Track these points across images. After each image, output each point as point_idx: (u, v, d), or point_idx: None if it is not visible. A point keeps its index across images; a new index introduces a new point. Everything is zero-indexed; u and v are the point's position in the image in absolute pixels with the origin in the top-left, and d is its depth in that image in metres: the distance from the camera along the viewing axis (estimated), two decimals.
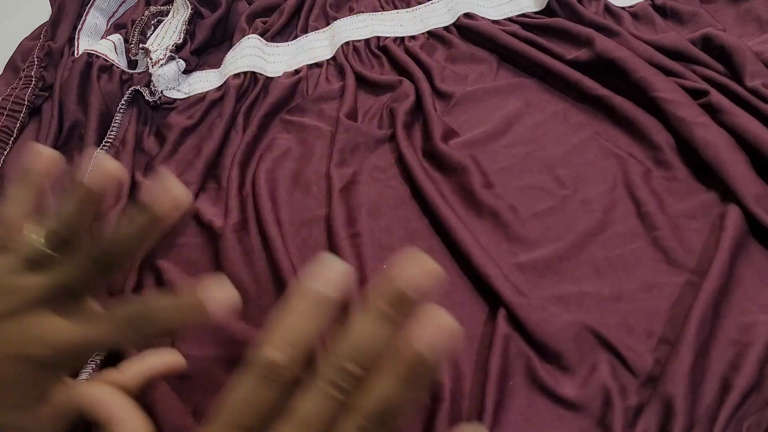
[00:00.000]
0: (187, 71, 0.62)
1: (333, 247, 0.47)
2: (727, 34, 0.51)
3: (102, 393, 0.30)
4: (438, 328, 0.24)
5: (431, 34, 0.60)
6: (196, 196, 0.53)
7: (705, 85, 0.48)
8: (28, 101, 0.60)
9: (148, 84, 0.60)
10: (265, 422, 0.24)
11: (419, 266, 0.24)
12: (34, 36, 0.67)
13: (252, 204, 0.50)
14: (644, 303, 0.41)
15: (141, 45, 0.63)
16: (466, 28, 0.58)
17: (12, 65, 0.65)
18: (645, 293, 0.41)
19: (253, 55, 0.60)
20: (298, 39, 0.63)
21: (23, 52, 0.65)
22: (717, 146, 0.44)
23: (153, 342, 0.42)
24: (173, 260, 0.49)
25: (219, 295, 0.27)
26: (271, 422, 0.24)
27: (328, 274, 0.24)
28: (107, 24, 0.70)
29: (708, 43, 0.51)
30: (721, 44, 0.50)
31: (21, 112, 0.60)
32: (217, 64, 0.63)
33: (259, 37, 0.61)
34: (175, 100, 0.60)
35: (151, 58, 0.60)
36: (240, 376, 0.24)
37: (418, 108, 0.54)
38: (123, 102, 0.59)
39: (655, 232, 0.43)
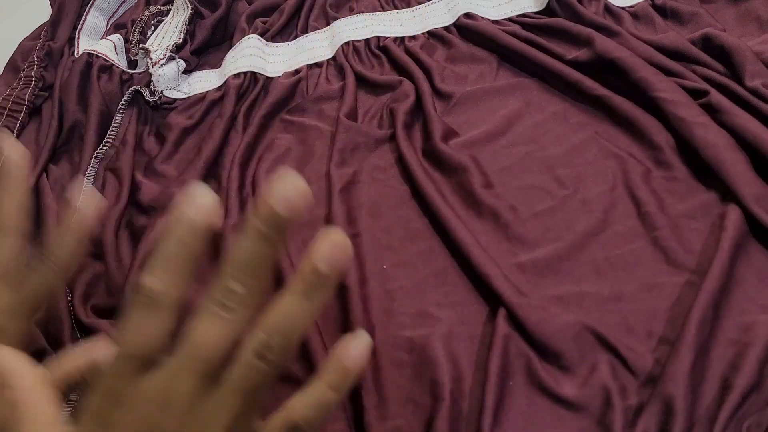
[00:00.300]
0: (187, 71, 0.62)
1: None
2: (727, 34, 0.51)
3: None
4: (332, 244, 0.25)
5: (431, 34, 0.60)
6: None
7: (705, 85, 0.48)
8: (28, 101, 0.60)
9: (148, 84, 0.60)
10: (154, 349, 0.25)
11: (288, 185, 0.25)
12: (34, 36, 0.67)
13: (252, 204, 0.50)
14: (644, 303, 0.41)
15: (141, 45, 0.63)
16: (466, 28, 0.58)
17: (12, 65, 0.65)
18: (645, 293, 0.41)
19: (253, 55, 0.60)
20: (298, 39, 0.63)
21: (23, 52, 0.65)
22: (717, 146, 0.44)
23: None
24: None
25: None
26: (162, 348, 0.25)
27: (197, 203, 0.25)
28: (107, 24, 0.70)
29: (708, 43, 0.51)
30: (721, 44, 0.50)
31: (21, 112, 0.60)
32: (217, 64, 0.63)
33: (259, 37, 0.61)
34: (175, 100, 0.60)
35: (151, 58, 0.60)
36: (127, 308, 0.25)
37: (418, 108, 0.54)
38: (123, 102, 0.59)
39: (655, 232, 0.43)
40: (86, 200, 0.33)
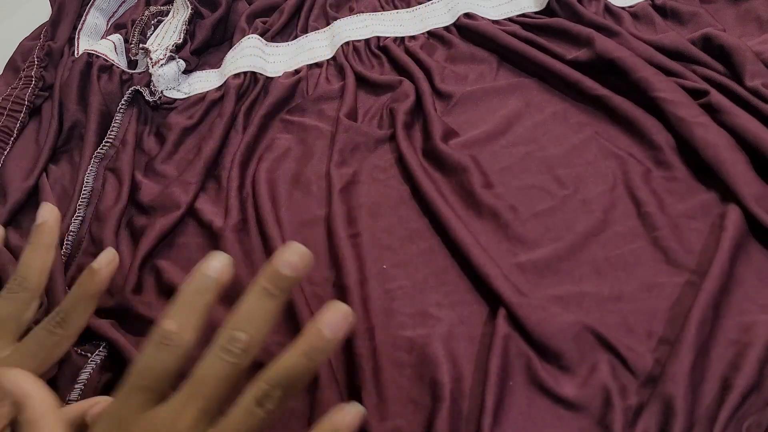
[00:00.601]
0: (187, 71, 0.62)
1: (333, 248, 0.47)
2: (727, 34, 0.51)
3: (14, 373, 0.32)
4: (336, 312, 0.29)
5: (431, 34, 0.60)
6: (196, 196, 0.53)
7: (705, 85, 0.48)
8: (28, 101, 0.60)
9: (148, 84, 0.60)
10: (164, 383, 0.29)
11: (293, 251, 0.30)
12: (34, 36, 0.67)
13: (252, 204, 0.50)
14: (644, 303, 0.41)
15: (141, 45, 0.63)
16: (466, 28, 0.58)
17: (12, 65, 0.65)
18: (645, 293, 0.41)
19: (253, 55, 0.60)
20: (298, 39, 0.63)
21: (23, 52, 0.65)
22: (717, 146, 0.44)
23: None
24: (173, 260, 0.49)
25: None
26: (170, 384, 0.29)
27: (215, 263, 0.30)
28: (107, 24, 0.70)
29: (708, 43, 0.51)
30: (721, 44, 0.50)
31: (21, 112, 0.60)
32: (217, 64, 0.63)
33: (259, 37, 0.61)
34: (175, 100, 0.60)
35: (151, 58, 0.60)
36: (143, 347, 0.29)
37: (418, 108, 0.54)
38: (123, 102, 0.59)
39: (655, 232, 0.43)
40: (102, 259, 0.37)
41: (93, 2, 0.69)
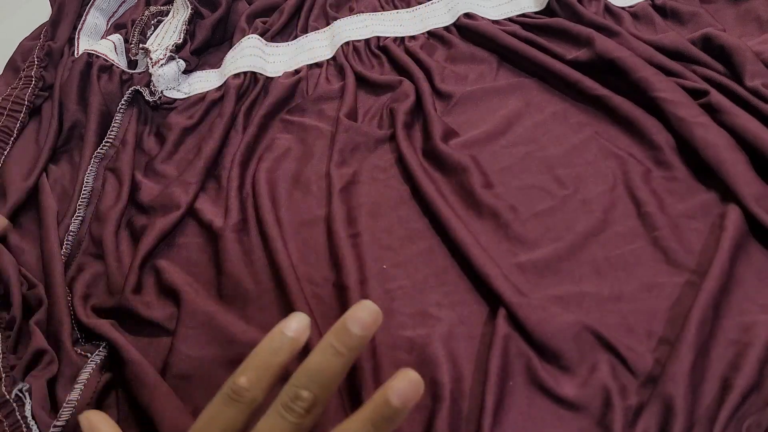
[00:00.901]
0: (187, 71, 0.62)
1: (333, 248, 0.47)
2: (727, 34, 0.51)
3: (95, 418, 0.33)
4: (409, 383, 0.28)
5: (431, 34, 0.60)
6: (196, 196, 0.53)
7: (705, 85, 0.48)
8: (28, 101, 0.60)
9: (148, 84, 0.60)
10: None
11: (364, 308, 0.29)
12: (34, 36, 0.67)
13: (252, 204, 0.50)
14: (644, 303, 0.41)
15: (141, 45, 0.63)
16: (466, 28, 0.58)
17: (12, 65, 0.65)
18: (645, 293, 0.41)
19: (253, 55, 0.60)
20: (298, 39, 0.63)
21: (23, 52, 0.65)
22: (717, 146, 0.44)
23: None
24: (173, 260, 0.49)
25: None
26: None
27: (294, 324, 0.30)
28: (107, 24, 0.70)
29: (708, 43, 0.51)
30: (721, 44, 0.50)
31: (21, 112, 0.60)
32: (217, 64, 0.63)
33: (259, 37, 0.61)
34: (175, 100, 0.60)
35: (151, 58, 0.60)
36: (213, 398, 0.30)
37: (418, 108, 0.54)
38: (123, 102, 0.59)
39: (655, 232, 0.43)
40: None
41: (93, 2, 0.69)
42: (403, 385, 0.28)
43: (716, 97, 0.47)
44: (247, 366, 0.30)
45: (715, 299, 0.39)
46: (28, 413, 0.41)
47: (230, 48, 0.62)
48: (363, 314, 0.29)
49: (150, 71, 0.59)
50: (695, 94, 0.48)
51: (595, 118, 0.51)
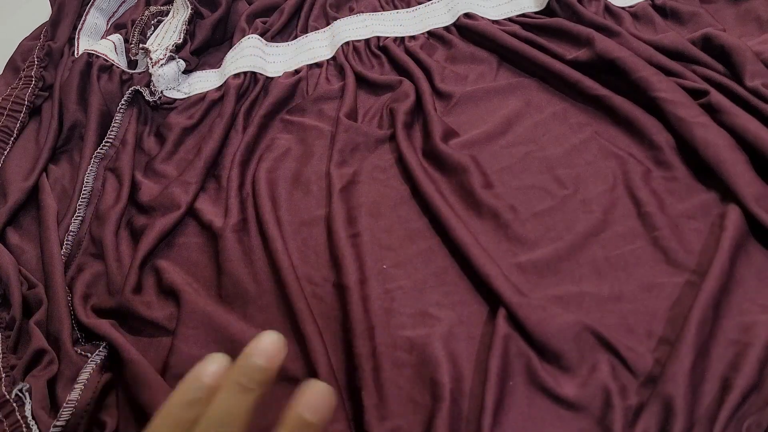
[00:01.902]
0: (187, 71, 0.62)
1: (333, 248, 0.47)
2: (727, 34, 0.51)
3: None
4: (317, 395, 0.28)
5: (431, 34, 0.60)
6: (196, 196, 0.53)
7: (705, 85, 0.48)
8: (28, 101, 0.60)
9: (148, 84, 0.60)
10: None
11: (265, 339, 0.29)
12: (34, 36, 0.67)
13: (252, 204, 0.50)
14: (644, 303, 0.41)
15: (141, 45, 0.63)
16: (466, 28, 0.58)
17: (12, 65, 0.65)
18: (645, 293, 0.41)
19: (253, 55, 0.60)
20: (298, 39, 0.63)
21: (23, 52, 0.65)
22: (717, 146, 0.44)
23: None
24: (173, 260, 0.49)
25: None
26: None
27: (210, 366, 0.29)
28: (107, 24, 0.70)
29: (708, 43, 0.51)
30: (721, 44, 0.50)
31: (21, 112, 0.60)
32: (217, 64, 0.63)
33: (259, 37, 0.61)
34: (175, 100, 0.60)
35: (151, 58, 0.60)
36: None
37: (418, 108, 0.54)
38: (123, 102, 0.59)
39: (655, 232, 0.43)
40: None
41: (93, 2, 0.69)
42: (314, 398, 0.28)
43: (716, 97, 0.47)
44: (155, 423, 0.28)
45: (715, 299, 0.39)
46: (28, 413, 0.41)
47: (230, 48, 0.62)
48: (266, 345, 0.28)
49: (150, 71, 0.59)
50: (695, 94, 0.48)
51: (595, 118, 0.51)
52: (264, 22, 0.64)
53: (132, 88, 0.59)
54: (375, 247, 0.46)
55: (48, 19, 0.66)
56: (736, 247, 0.41)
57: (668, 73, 0.50)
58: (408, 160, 0.50)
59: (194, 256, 0.49)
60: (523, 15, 0.58)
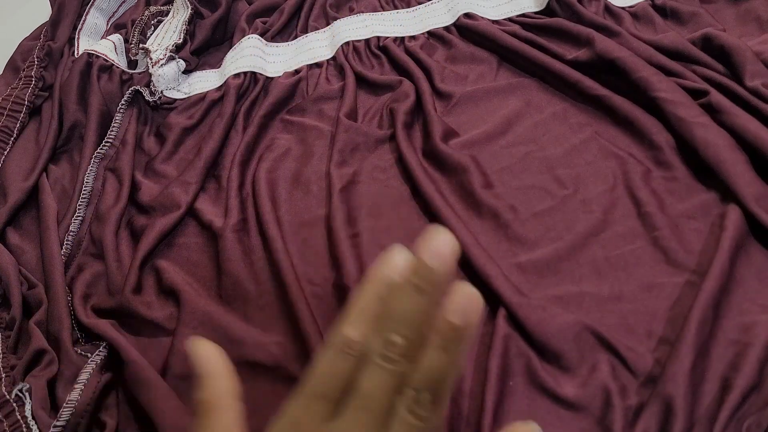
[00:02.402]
0: (187, 71, 0.62)
1: (333, 248, 0.47)
2: (727, 34, 0.51)
3: (205, 348, 0.32)
4: (464, 299, 0.28)
5: (431, 34, 0.60)
6: (196, 196, 0.53)
7: (705, 85, 0.48)
8: (28, 101, 0.60)
9: (148, 84, 0.60)
10: (341, 393, 0.28)
11: (439, 241, 0.28)
12: (34, 36, 0.67)
13: (252, 204, 0.50)
14: (644, 303, 0.41)
15: (141, 45, 0.63)
16: (466, 28, 0.58)
17: (12, 65, 0.65)
18: (645, 293, 0.41)
19: (253, 55, 0.60)
20: (298, 39, 0.63)
21: (23, 52, 0.65)
22: (717, 146, 0.44)
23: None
24: (173, 260, 0.49)
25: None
26: (345, 393, 0.28)
27: (394, 263, 0.29)
28: (107, 24, 0.69)
29: (708, 43, 0.51)
30: (721, 44, 0.50)
31: (21, 112, 0.60)
32: (217, 64, 0.63)
33: (259, 37, 0.61)
34: (175, 100, 0.60)
35: (151, 58, 0.60)
36: (322, 352, 0.29)
37: (418, 108, 0.54)
38: (123, 102, 0.59)
39: (655, 232, 0.43)
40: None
41: (93, 2, 0.68)
42: (461, 302, 0.28)
43: (716, 97, 0.47)
44: (353, 316, 0.28)
45: (715, 299, 0.39)
46: (28, 413, 0.41)
47: (230, 48, 0.62)
48: (439, 246, 0.28)
49: (150, 71, 0.59)
50: (695, 94, 0.48)
51: (595, 118, 0.51)
52: (264, 22, 0.64)
53: (132, 88, 0.59)
54: (375, 247, 0.46)
55: (48, 19, 0.66)
56: (736, 247, 0.41)
57: (668, 73, 0.50)
58: (408, 160, 0.50)
59: (194, 256, 0.49)
60: (523, 15, 0.58)
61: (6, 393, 0.42)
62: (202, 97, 0.60)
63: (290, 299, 0.44)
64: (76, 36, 0.66)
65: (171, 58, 0.60)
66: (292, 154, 0.54)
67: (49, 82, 0.62)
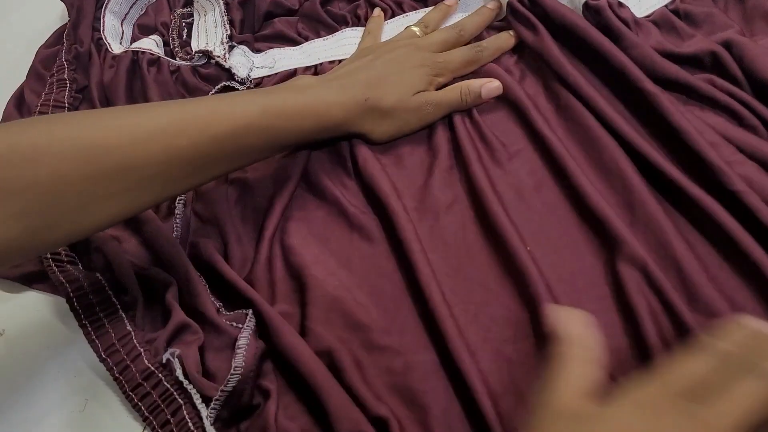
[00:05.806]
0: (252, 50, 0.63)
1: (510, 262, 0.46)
2: (751, 41, 0.51)
3: (568, 315, 0.35)
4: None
5: None
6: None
7: (728, 100, 0.49)
8: (67, 103, 0.59)
9: (230, 76, 0.60)
10: (702, 394, 0.28)
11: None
12: (51, 43, 0.65)
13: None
14: None
15: (197, 48, 0.63)
16: None
17: (35, 72, 0.63)
18: None
19: (349, 45, 0.61)
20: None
21: (43, 59, 0.64)
22: None
23: None
24: (302, 236, 0.49)
25: None
26: (707, 395, 0.28)
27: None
28: (120, 26, 0.68)
29: (730, 53, 0.51)
30: (741, 55, 0.50)
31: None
32: (284, 44, 0.63)
33: (354, 28, 0.62)
34: (263, 78, 0.60)
35: (217, 56, 0.60)
36: (691, 353, 0.31)
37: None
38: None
39: None
40: None
41: (106, 5, 0.67)
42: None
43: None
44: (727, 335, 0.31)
45: None
46: (180, 377, 0.40)
47: (318, 37, 0.62)
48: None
49: (226, 66, 0.59)
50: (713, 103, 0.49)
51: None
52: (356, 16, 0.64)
53: (220, 85, 0.59)
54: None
55: (66, 24, 0.65)
56: None
57: (693, 92, 0.50)
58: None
59: (327, 232, 0.49)
60: None
61: (150, 365, 0.41)
62: (292, 72, 0.60)
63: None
64: (103, 37, 0.64)
65: (232, 47, 0.61)
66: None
67: (82, 84, 0.61)
